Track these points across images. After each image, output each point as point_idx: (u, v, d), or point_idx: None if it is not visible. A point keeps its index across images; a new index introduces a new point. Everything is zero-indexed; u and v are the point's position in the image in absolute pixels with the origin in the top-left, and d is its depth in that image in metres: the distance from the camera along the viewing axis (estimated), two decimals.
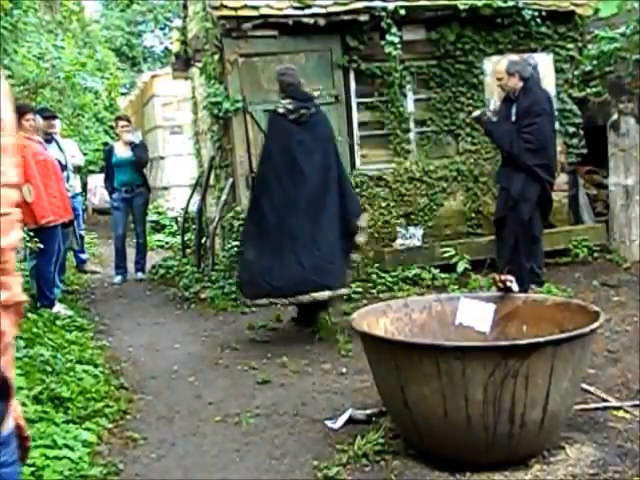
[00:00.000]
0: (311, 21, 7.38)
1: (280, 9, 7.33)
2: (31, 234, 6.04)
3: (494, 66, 6.52)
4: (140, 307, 7.43)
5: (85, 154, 11.80)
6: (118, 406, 4.31)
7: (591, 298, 6.17)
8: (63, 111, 11.56)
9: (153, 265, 9.30)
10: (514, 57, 6.71)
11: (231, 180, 7.63)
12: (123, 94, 18.37)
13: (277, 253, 5.52)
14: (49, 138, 7.59)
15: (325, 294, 5.51)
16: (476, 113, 6.63)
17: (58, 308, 6.59)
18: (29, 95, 9.50)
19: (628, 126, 7.79)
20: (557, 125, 8.27)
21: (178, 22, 12.30)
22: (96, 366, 4.94)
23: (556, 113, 7.20)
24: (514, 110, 6.20)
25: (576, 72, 8.38)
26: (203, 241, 8.54)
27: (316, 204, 5.58)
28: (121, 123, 9.01)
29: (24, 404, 3.62)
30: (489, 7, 7.78)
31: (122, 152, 8.84)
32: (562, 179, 8.39)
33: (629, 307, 6.00)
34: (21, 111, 6.16)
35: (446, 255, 7.37)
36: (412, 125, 8.03)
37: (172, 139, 14.41)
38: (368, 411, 3.91)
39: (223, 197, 7.60)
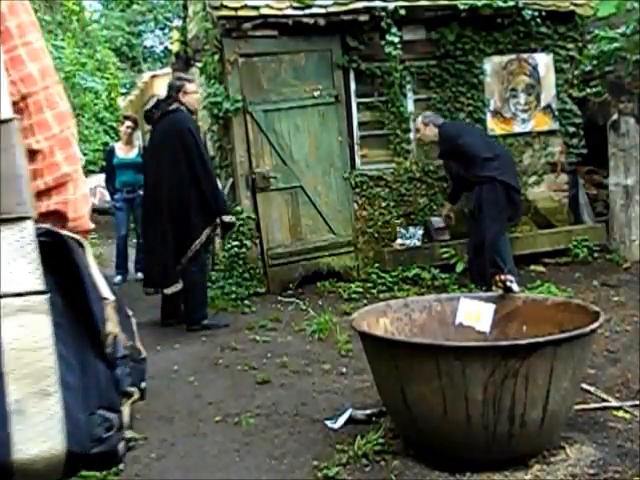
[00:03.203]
0: (311, 21, 7.38)
1: (280, 9, 7.33)
2: None
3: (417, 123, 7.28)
4: (140, 307, 7.40)
5: (85, 154, 11.80)
6: None
7: (591, 298, 6.17)
8: None
9: None
10: (426, 112, 7.41)
11: (231, 180, 7.63)
12: (123, 94, 18.38)
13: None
14: None
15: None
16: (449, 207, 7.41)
17: None
18: None
19: (628, 126, 7.79)
20: (557, 125, 8.33)
21: (178, 22, 12.31)
22: None
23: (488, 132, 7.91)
24: (447, 153, 6.96)
25: (576, 72, 8.38)
26: None
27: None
28: (127, 123, 8.98)
29: None
30: (489, 7, 7.78)
31: (123, 153, 8.84)
32: (562, 179, 8.40)
33: (629, 307, 6.00)
34: None
35: (446, 255, 7.37)
36: (412, 125, 8.03)
37: None
38: (368, 411, 3.91)
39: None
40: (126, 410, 1.03)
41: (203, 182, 5.99)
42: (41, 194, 1.09)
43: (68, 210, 1.11)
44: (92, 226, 1.19)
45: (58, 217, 1.10)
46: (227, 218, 6.22)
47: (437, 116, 7.21)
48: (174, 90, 6.15)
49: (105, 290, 1.03)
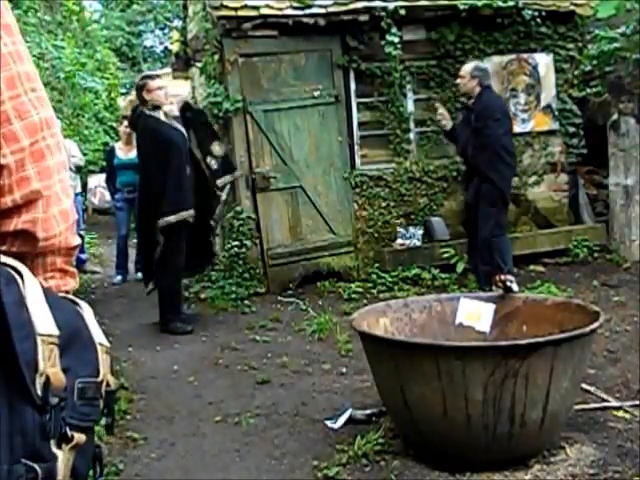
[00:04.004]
0: (311, 21, 7.38)
1: (280, 9, 7.33)
2: None
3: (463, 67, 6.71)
4: (140, 307, 7.42)
5: (85, 154, 11.79)
6: (118, 406, 4.30)
7: (591, 298, 6.17)
8: (63, 111, 11.56)
9: None
10: (482, 64, 6.88)
11: None
12: (123, 94, 18.36)
13: None
14: None
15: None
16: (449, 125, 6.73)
17: None
18: None
19: (628, 126, 7.78)
20: (557, 125, 8.32)
21: (178, 22, 12.31)
22: None
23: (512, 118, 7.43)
24: (472, 116, 6.41)
25: (576, 72, 8.38)
26: None
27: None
28: (126, 123, 8.97)
29: None
30: (489, 7, 7.78)
31: (123, 153, 8.84)
32: (562, 179, 8.40)
33: (629, 307, 6.00)
34: None
35: (446, 255, 7.37)
36: (412, 125, 8.02)
37: None
38: (368, 411, 3.91)
39: (223, 197, 7.60)
40: (63, 456, 0.94)
41: (151, 181, 6.09)
42: (11, 212, 1.02)
43: (37, 230, 1.03)
44: (75, 243, 1.10)
45: (27, 237, 1.04)
46: (162, 222, 5.89)
47: (489, 75, 6.71)
48: (139, 91, 6.24)
49: (45, 325, 0.92)
